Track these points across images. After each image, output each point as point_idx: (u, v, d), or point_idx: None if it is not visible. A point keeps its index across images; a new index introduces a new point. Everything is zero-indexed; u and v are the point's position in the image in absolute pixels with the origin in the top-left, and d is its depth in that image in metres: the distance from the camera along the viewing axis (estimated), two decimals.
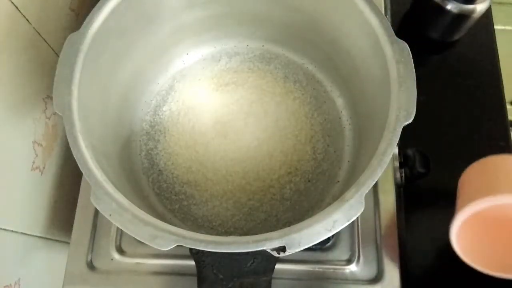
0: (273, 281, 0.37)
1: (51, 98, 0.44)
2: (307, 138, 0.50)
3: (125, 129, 0.50)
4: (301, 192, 0.48)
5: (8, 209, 0.45)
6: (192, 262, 0.37)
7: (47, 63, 0.49)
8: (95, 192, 0.36)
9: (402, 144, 0.43)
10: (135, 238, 0.34)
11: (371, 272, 0.45)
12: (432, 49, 0.59)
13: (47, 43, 0.49)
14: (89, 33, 0.40)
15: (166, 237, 0.34)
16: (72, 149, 0.37)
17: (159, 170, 0.50)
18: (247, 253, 0.36)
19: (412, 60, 0.39)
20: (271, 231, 0.34)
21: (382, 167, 0.35)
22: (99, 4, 0.41)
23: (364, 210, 0.35)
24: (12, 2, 0.42)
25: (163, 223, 0.35)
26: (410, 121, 0.37)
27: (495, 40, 0.59)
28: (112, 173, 0.40)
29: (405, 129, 0.37)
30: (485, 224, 0.37)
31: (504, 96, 0.56)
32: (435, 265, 0.47)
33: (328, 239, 0.45)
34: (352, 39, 0.45)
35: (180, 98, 0.54)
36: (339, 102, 0.52)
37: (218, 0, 0.49)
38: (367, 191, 0.35)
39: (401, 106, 0.37)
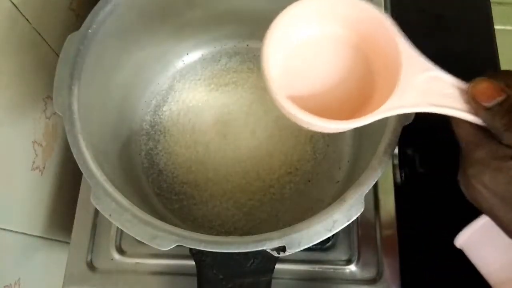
0: (273, 281, 0.37)
1: (51, 98, 0.44)
2: (307, 138, 0.50)
3: (125, 129, 0.50)
4: (301, 192, 0.48)
5: (8, 209, 0.45)
6: (192, 262, 0.37)
7: (47, 63, 0.49)
8: (95, 192, 0.36)
9: (402, 144, 0.43)
10: (135, 238, 0.34)
11: (371, 272, 0.45)
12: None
13: (47, 43, 0.49)
14: (89, 33, 0.40)
15: (166, 237, 0.34)
16: (72, 149, 0.37)
17: (159, 170, 0.50)
18: (247, 253, 0.36)
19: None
20: (271, 231, 0.34)
21: (382, 167, 0.35)
22: (99, 4, 0.41)
23: (364, 210, 0.35)
24: (12, 2, 0.42)
25: (163, 223, 0.35)
26: (410, 121, 0.37)
27: (495, 40, 0.59)
28: (112, 173, 0.40)
29: (405, 129, 0.37)
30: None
31: None
32: (435, 265, 0.47)
33: (328, 239, 0.45)
34: None
35: (180, 98, 0.54)
36: None
37: (218, 0, 0.49)
38: (367, 191, 0.35)
39: None
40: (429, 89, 0.29)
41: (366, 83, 0.32)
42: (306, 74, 0.32)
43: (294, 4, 0.30)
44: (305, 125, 0.29)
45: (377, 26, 0.30)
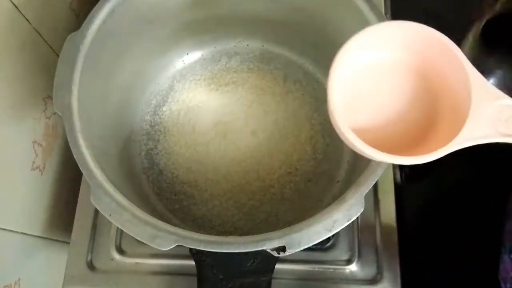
0: (273, 281, 0.37)
1: (51, 98, 0.44)
2: (307, 138, 0.50)
3: (125, 129, 0.50)
4: (301, 192, 0.48)
5: (8, 209, 0.45)
6: (192, 262, 0.37)
7: (47, 63, 0.49)
8: (95, 192, 0.36)
9: None
10: (135, 238, 0.34)
11: (371, 272, 0.45)
12: None
13: (47, 43, 0.49)
14: (89, 33, 0.41)
15: (166, 237, 0.34)
16: (72, 149, 0.37)
17: (159, 170, 0.50)
18: (247, 253, 0.36)
19: None
20: (271, 231, 0.34)
21: (382, 167, 0.35)
22: (99, 4, 0.41)
23: (364, 210, 0.35)
24: (12, 2, 0.42)
25: (163, 223, 0.35)
26: None
27: None
28: (112, 173, 0.40)
29: None
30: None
31: None
32: (435, 265, 0.47)
33: (328, 239, 0.45)
34: None
35: (180, 98, 0.54)
36: None
37: (218, 0, 0.49)
38: (367, 191, 0.35)
39: None
40: (499, 118, 0.28)
41: (428, 109, 0.31)
42: (368, 100, 0.32)
43: (361, 32, 0.30)
44: (366, 156, 0.29)
45: (443, 53, 0.29)
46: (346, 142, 0.29)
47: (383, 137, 0.31)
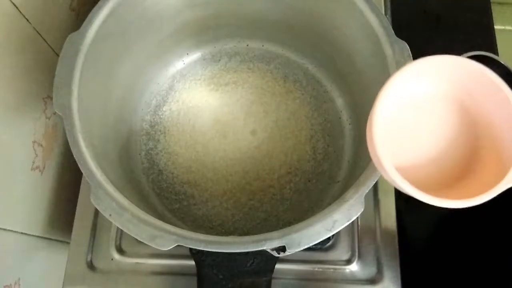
0: (273, 281, 0.37)
1: (51, 98, 0.44)
2: (307, 138, 0.50)
3: (125, 129, 0.50)
4: (301, 192, 0.48)
5: (8, 209, 0.45)
6: (192, 262, 0.37)
7: (47, 63, 0.49)
8: (95, 192, 0.36)
9: None
10: (135, 238, 0.34)
11: (371, 272, 0.45)
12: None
13: (47, 43, 0.49)
14: (89, 33, 0.41)
15: (166, 237, 0.34)
16: (72, 149, 0.37)
17: (159, 170, 0.50)
18: (247, 253, 0.36)
19: (412, 60, 0.39)
20: (271, 231, 0.34)
21: None
22: (99, 4, 0.41)
23: (364, 210, 0.35)
24: (12, 2, 0.42)
25: (163, 223, 0.35)
26: None
27: (495, 40, 0.59)
28: (112, 173, 0.40)
29: None
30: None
31: None
32: (435, 265, 0.47)
33: (328, 239, 0.45)
34: (352, 39, 0.45)
35: (180, 98, 0.54)
36: (339, 102, 0.52)
37: (218, 0, 0.49)
38: (367, 191, 0.35)
39: None
40: None
41: (470, 146, 0.31)
42: (409, 137, 0.32)
43: (405, 67, 0.29)
44: (409, 194, 0.28)
45: (488, 88, 0.29)
46: (388, 179, 0.29)
47: (423, 173, 0.31)
